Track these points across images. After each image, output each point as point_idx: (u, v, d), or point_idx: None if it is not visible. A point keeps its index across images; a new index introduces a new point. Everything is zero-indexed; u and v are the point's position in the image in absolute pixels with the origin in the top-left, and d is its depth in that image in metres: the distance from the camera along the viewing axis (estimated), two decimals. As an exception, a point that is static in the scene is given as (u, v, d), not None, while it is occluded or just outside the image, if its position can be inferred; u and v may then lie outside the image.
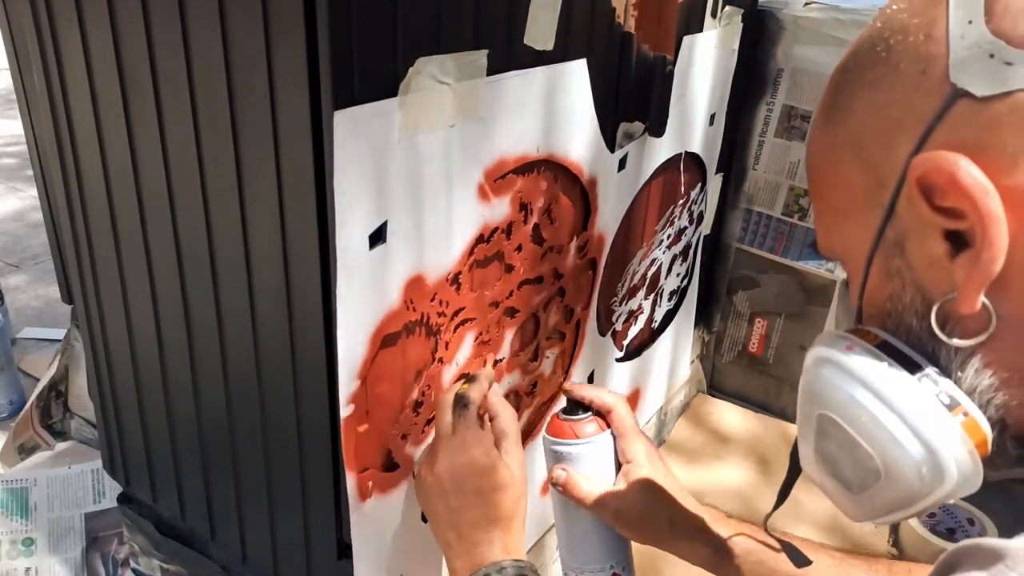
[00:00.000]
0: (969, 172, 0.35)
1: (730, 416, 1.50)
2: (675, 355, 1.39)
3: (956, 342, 0.39)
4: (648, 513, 0.73)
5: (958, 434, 0.39)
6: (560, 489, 0.74)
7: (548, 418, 0.78)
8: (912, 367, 0.40)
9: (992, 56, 0.35)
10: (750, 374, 1.52)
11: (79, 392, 1.41)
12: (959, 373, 0.40)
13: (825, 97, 0.45)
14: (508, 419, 0.74)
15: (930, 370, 0.40)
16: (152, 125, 0.67)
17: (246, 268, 0.66)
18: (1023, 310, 0.37)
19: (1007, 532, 0.35)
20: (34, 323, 2.38)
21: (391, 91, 0.57)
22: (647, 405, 1.31)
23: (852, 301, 0.45)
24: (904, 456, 0.40)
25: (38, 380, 1.54)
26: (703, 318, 1.49)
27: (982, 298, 0.37)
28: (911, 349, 0.41)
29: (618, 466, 0.75)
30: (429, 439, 0.76)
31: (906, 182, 0.38)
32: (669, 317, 1.31)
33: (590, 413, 0.75)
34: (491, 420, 0.74)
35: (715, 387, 1.58)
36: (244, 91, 0.59)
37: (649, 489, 0.73)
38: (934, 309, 0.39)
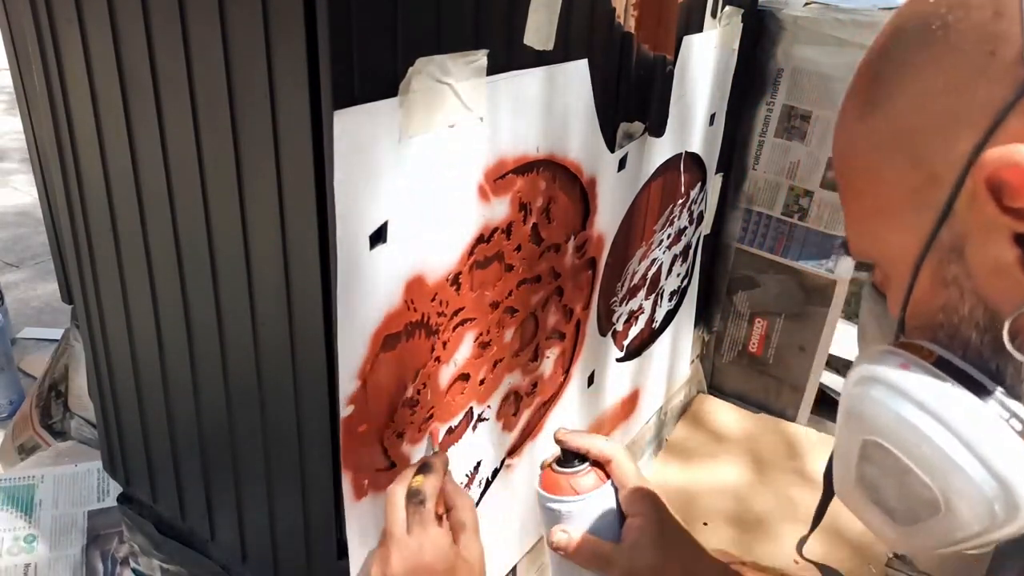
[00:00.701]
0: None
1: (730, 416, 1.50)
2: (675, 355, 1.39)
3: None
4: (660, 569, 0.65)
5: None
6: (562, 554, 0.64)
7: (540, 473, 0.69)
8: (976, 388, 0.36)
9: None
10: (750, 374, 1.52)
11: (79, 392, 1.41)
12: None
13: (857, 86, 0.39)
14: (466, 509, 0.68)
15: (997, 391, 0.36)
16: (152, 125, 0.67)
17: (246, 268, 0.66)
18: None
19: None
20: (34, 323, 2.38)
21: (391, 91, 0.57)
22: (647, 405, 1.31)
23: (893, 310, 0.40)
24: (973, 490, 0.36)
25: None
26: (703, 318, 1.49)
27: None
28: (971, 367, 0.36)
29: (622, 518, 0.66)
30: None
31: (969, 179, 0.34)
32: (669, 317, 1.31)
33: (587, 464, 0.66)
34: (447, 511, 0.68)
35: (715, 387, 1.58)
36: (244, 91, 0.59)
37: (660, 545, 0.65)
38: (1007, 323, 0.35)
